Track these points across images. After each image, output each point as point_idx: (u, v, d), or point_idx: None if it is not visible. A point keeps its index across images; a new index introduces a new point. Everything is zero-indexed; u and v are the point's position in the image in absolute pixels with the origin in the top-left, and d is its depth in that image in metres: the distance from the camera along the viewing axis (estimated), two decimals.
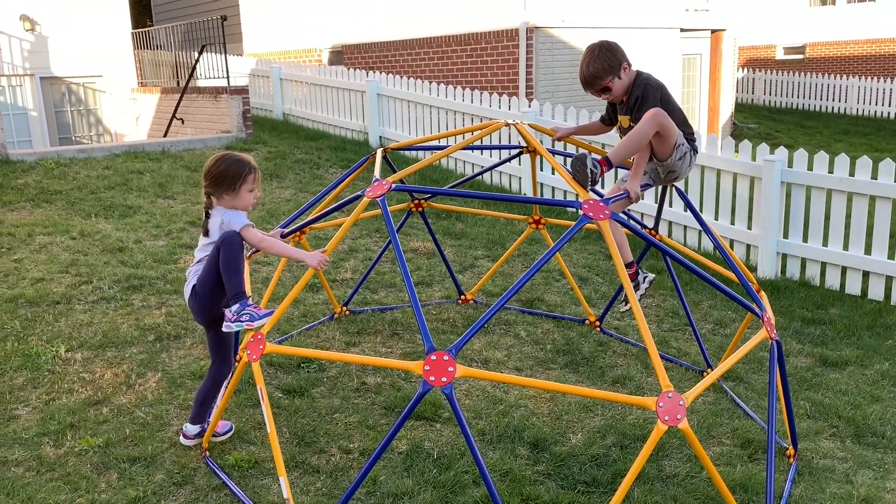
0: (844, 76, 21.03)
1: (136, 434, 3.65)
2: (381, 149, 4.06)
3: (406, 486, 3.27)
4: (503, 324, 5.23)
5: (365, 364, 4.15)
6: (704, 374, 4.66)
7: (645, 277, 4.15)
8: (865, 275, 6.11)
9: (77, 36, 11.87)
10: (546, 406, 4.12)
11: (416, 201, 5.12)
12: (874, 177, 6.04)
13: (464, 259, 6.48)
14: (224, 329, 3.19)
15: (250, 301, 3.20)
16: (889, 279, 5.96)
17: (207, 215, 3.34)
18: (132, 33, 12.56)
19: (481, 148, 6.41)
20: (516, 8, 11.70)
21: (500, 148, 5.01)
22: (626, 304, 4.21)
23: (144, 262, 5.92)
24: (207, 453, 3.47)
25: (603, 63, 3.69)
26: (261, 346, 3.10)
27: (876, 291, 6.02)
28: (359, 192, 3.43)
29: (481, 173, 5.29)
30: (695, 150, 3.92)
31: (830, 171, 6.22)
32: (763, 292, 3.98)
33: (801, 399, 4.38)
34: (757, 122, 19.11)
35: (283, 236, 3.82)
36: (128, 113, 12.60)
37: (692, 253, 4.66)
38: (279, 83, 12.87)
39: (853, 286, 6.15)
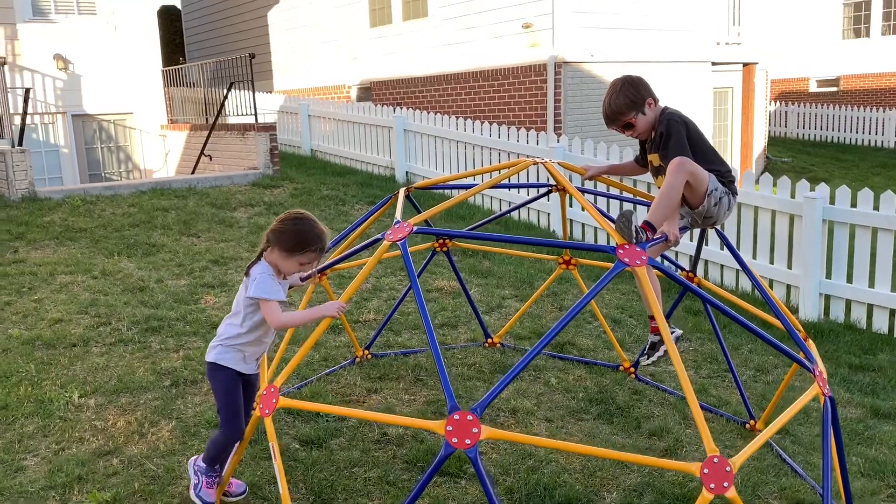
0: (881, 108, 20.62)
1: (146, 488, 3.47)
2: (405, 188, 3.90)
3: None
4: (532, 369, 5.00)
5: (383, 421, 3.93)
6: (747, 425, 4.38)
7: (672, 332, 3.87)
8: None
9: (109, 74, 12.02)
10: (578, 461, 3.87)
11: (441, 240, 4.94)
12: None
13: (490, 299, 6.27)
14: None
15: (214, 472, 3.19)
16: None
17: (259, 257, 3.17)
18: (162, 71, 12.69)
19: (509, 186, 6.24)
20: (544, 42, 11.61)
21: (528, 186, 4.84)
22: (649, 357, 3.95)
23: (165, 303, 5.80)
24: None
25: (626, 98, 3.52)
26: (274, 400, 2.92)
27: None
28: (379, 235, 3.26)
29: (509, 212, 5.12)
30: (733, 192, 3.68)
31: (876, 208, 5.94)
32: (811, 341, 3.72)
33: (854, 455, 4.08)
34: (791, 156, 18.76)
35: (302, 279, 3.66)
36: (157, 149, 12.69)
37: (731, 296, 4.42)
38: (307, 119, 12.89)
39: None
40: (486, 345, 5.33)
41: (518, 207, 4.83)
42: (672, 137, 3.47)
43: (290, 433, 4.07)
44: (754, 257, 6.72)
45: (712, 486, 2.44)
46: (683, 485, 3.68)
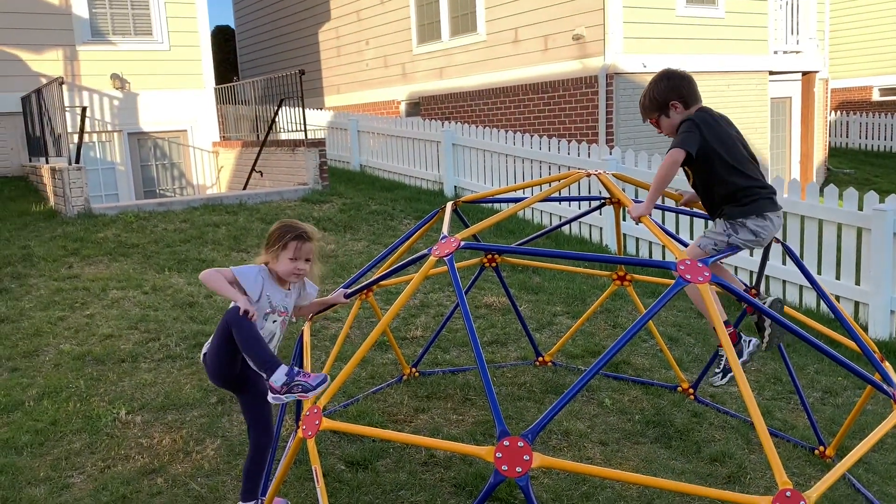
0: None
1: None
2: (452, 202, 3.79)
3: None
4: (586, 389, 4.81)
5: (429, 446, 3.79)
6: (815, 451, 4.12)
7: (750, 342, 3.61)
8: None
9: (163, 93, 12.25)
10: (636, 488, 3.68)
11: (490, 255, 4.81)
12: None
13: (541, 316, 6.10)
14: (272, 401, 2.92)
15: (296, 368, 2.92)
16: None
17: None
18: (215, 89, 12.88)
19: (560, 199, 6.07)
20: (596, 53, 11.42)
21: (580, 199, 4.67)
22: (722, 377, 3.68)
23: (213, 319, 5.78)
24: None
25: (652, 96, 3.35)
26: (317, 422, 2.81)
27: None
28: (426, 250, 3.15)
29: (560, 226, 4.95)
30: (762, 210, 3.16)
31: None
32: (887, 362, 3.47)
33: None
34: (853, 167, 18.10)
35: (346, 296, 3.57)
36: (210, 166, 12.87)
37: (795, 313, 4.18)
38: (356, 135, 12.93)
39: None
40: (537, 363, 5.17)
41: (570, 221, 4.66)
42: (676, 137, 3.21)
43: (336, 453, 3.97)
44: (819, 272, 6.41)
45: None
46: None
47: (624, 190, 7.24)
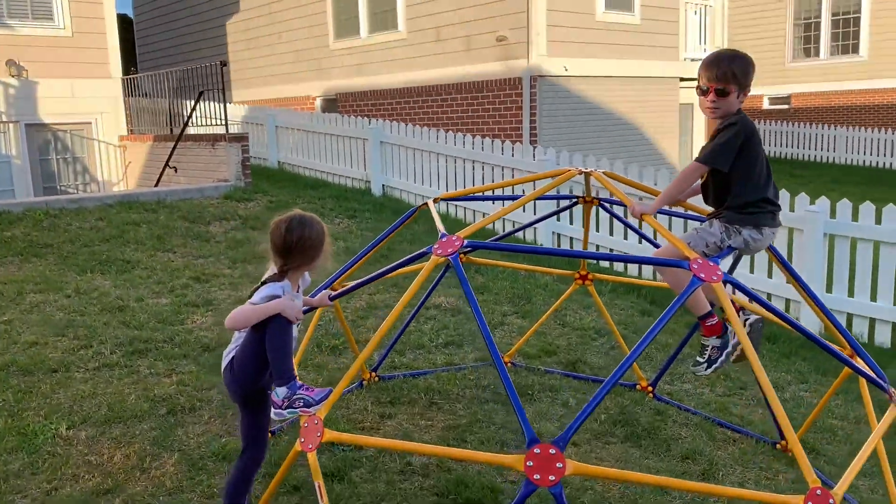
0: (831, 126, 21.18)
1: None
2: (432, 199, 3.67)
3: None
4: (548, 390, 4.78)
5: (455, 458, 3.59)
6: (777, 446, 4.24)
7: (747, 318, 3.57)
8: None
9: (65, 82, 11.45)
10: (617, 489, 3.65)
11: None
12: None
13: (491, 316, 6.04)
14: (274, 416, 2.72)
15: (299, 382, 2.74)
16: None
17: (282, 275, 2.87)
18: (123, 79, 12.16)
19: (542, 198, 5.88)
20: (519, 56, 11.51)
21: (557, 198, 4.59)
22: (707, 367, 3.63)
23: (148, 324, 5.41)
24: None
25: (740, 69, 3.07)
26: (318, 434, 2.63)
27: None
28: (426, 249, 3.01)
29: (524, 228, 4.90)
30: (760, 224, 3.19)
31: (877, 223, 5.92)
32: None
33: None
34: None
35: (331, 298, 3.38)
36: (116, 161, 12.13)
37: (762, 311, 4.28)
38: (274, 131, 12.52)
39: None
40: None
41: (533, 223, 4.62)
42: (719, 136, 3.11)
43: (305, 465, 3.75)
44: (751, 272, 6.65)
45: None
46: None
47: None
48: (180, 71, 11.07)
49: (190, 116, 10.28)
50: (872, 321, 5.98)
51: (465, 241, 2.85)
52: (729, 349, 3.43)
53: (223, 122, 9.90)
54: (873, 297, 5.96)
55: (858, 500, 3.71)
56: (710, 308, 3.45)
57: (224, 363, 2.93)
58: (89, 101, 11.63)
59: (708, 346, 3.48)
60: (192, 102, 10.30)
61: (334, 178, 11.32)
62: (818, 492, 2.29)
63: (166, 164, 10.66)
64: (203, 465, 3.67)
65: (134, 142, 11.88)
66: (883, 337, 5.93)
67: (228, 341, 5.15)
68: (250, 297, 2.83)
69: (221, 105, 9.96)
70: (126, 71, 13.85)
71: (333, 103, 15.06)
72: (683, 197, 3.34)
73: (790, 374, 5.38)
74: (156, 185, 10.80)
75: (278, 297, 2.74)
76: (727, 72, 3.07)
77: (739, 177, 3.15)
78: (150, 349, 4.98)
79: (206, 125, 10.65)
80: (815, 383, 5.26)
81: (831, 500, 2.29)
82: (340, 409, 4.37)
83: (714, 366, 3.46)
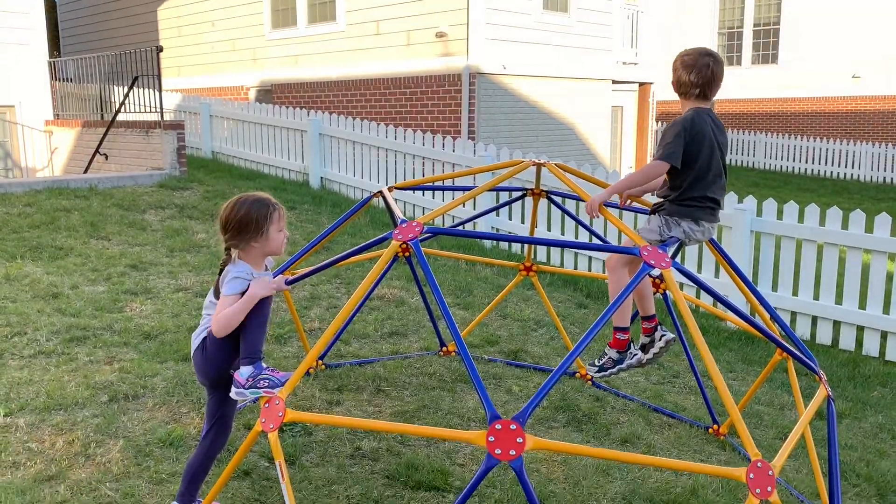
0: (751, 132, 22.11)
1: None
2: (386, 188, 3.71)
3: None
4: (492, 377, 4.90)
5: (418, 434, 3.67)
6: (710, 430, 4.45)
7: (663, 336, 3.80)
8: (836, 324, 6.14)
9: None
10: (560, 470, 3.79)
11: (404, 246, 4.74)
12: (844, 227, 6.12)
13: (434, 307, 6.11)
14: (235, 396, 2.72)
15: (263, 364, 2.75)
16: (860, 329, 6.00)
17: (221, 271, 2.88)
18: (49, 62, 11.71)
19: (500, 189, 5.86)
20: (459, 52, 11.62)
21: (509, 190, 4.69)
22: (597, 371, 3.79)
23: (84, 311, 5.27)
24: None
25: (680, 74, 3.28)
26: (280, 413, 2.66)
27: (847, 342, 6.04)
28: (386, 234, 3.06)
29: (465, 222, 4.98)
30: (698, 218, 3.32)
31: (800, 221, 6.26)
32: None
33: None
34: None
35: (288, 282, 3.39)
36: (42, 147, 11.68)
37: (698, 301, 4.49)
38: (208, 119, 12.28)
39: (824, 336, 6.17)
40: (442, 353, 5.18)
41: (477, 217, 4.71)
42: (663, 137, 3.30)
43: (255, 450, 3.76)
44: (682, 262, 6.92)
45: (758, 490, 2.42)
46: (668, 490, 3.68)
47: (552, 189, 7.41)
48: (112, 55, 10.73)
49: (123, 102, 10.00)
50: (794, 314, 6.32)
51: (425, 227, 2.91)
52: (632, 361, 3.67)
53: (158, 110, 9.66)
54: (794, 293, 6.30)
55: (784, 479, 3.94)
56: (628, 324, 3.67)
57: (194, 345, 2.91)
58: (12, 82, 11.16)
59: (607, 355, 3.75)
60: (125, 88, 10.01)
61: (271, 169, 11.20)
62: (759, 464, 2.45)
63: (96, 151, 10.34)
64: (149, 451, 3.63)
65: (61, 127, 11.46)
66: (803, 329, 6.28)
67: (169, 329, 5.11)
68: (216, 286, 2.84)
69: (157, 92, 9.72)
70: (51, 55, 13.33)
71: (268, 94, 14.86)
72: (638, 192, 3.50)
73: (718, 364, 5.64)
74: (85, 172, 10.46)
75: (247, 281, 2.75)
76: (677, 77, 3.32)
77: (683, 173, 3.29)
78: (87, 336, 4.86)
79: (140, 111, 10.37)
80: (742, 372, 5.54)
81: (771, 471, 2.45)
82: (287, 396, 4.37)
83: (603, 374, 3.73)
